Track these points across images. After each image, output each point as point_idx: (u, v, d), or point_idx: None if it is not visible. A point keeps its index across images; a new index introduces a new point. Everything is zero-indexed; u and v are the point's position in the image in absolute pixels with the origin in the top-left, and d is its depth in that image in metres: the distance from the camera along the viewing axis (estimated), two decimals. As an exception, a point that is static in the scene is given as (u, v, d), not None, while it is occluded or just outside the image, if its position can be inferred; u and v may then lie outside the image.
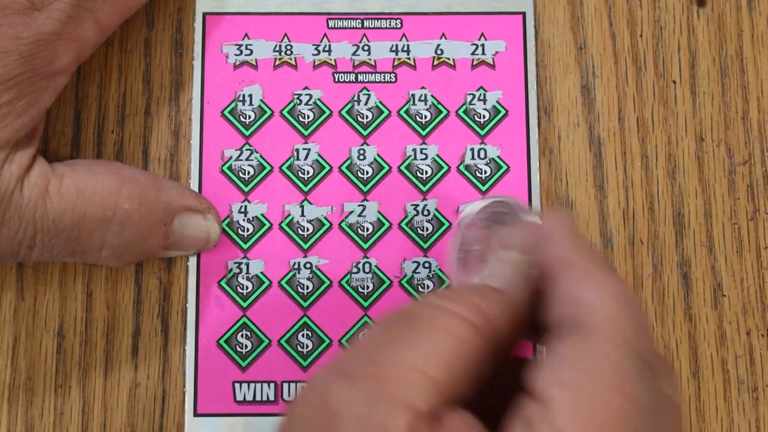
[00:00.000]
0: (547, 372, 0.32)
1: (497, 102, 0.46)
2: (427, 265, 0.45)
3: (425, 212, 0.45)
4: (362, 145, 0.46)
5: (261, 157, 0.46)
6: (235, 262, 0.45)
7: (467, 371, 0.32)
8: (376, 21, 0.47)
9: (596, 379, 0.31)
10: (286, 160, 0.46)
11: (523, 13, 0.47)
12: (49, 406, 0.44)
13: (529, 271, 0.36)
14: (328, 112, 0.46)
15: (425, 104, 0.46)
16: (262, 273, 0.45)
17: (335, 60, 0.47)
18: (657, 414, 0.32)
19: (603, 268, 0.34)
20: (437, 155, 0.46)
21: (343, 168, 0.46)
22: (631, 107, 0.47)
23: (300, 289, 0.45)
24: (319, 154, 0.46)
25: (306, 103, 0.46)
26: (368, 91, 0.46)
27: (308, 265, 0.45)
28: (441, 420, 0.31)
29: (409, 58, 0.47)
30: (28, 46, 0.39)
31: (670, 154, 0.46)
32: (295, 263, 0.45)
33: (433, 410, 0.31)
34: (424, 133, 0.46)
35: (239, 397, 0.44)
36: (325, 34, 0.47)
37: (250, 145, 0.46)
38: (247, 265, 0.45)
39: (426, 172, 0.46)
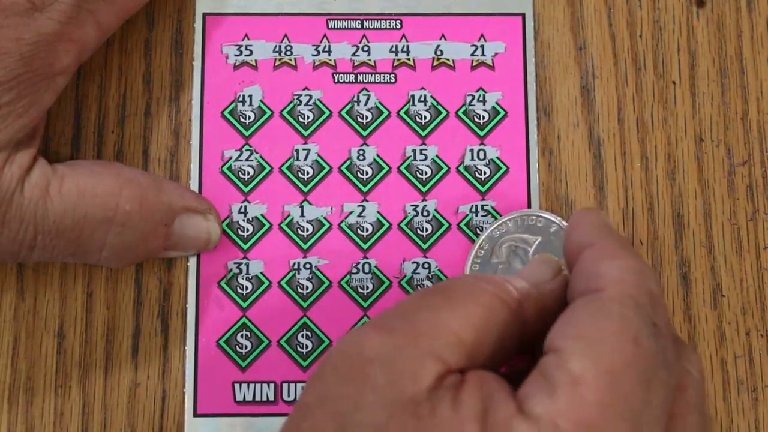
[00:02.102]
0: (559, 328, 0.33)
1: (497, 103, 0.46)
2: (426, 265, 0.45)
3: (425, 213, 0.45)
4: (362, 145, 0.46)
5: (261, 157, 0.46)
6: (234, 263, 0.45)
7: (494, 341, 0.34)
8: (375, 21, 0.47)
9: (607, 330, 0.32)
10: (286, 161, 0.46)
11: (523, 14, 0.47)
12: (49, 407, 0.44)
13: (558, 271, 0.38)
14: (327, 112, 0.46)
15: (425, 105, 0.46)
16: (261, 273, 0.45)
17: (335, 60, 0.47)
18: (671, 374, 0.33)
19: (623, 247, 0.36)
20: (437, 156, 0.46)
21: (343, 168, 0.46)
22: (630, 108, 0.47)
23: (300, 290, 0.45)
24: (318, 155, 0.46)
25: (306, 104, 0.46)
26: (368, 91, 0.46)
27: (308, 266, 0.45)
28: (465, 375, 0.33)
29: (408, 59, 0.47)
30: (28, 46, 0.39)
31: (670, 154, 0.46)
32: (294, 263, 0.45)
33: (460, 367, 0.33)
34: (423, 133, 0.46)
35: (239, 398, 0.44)
36: (324, 35, 0.47)
37: (250, 146, 0.46)
38: (247, 265, 0.45)
39: (425, 173, 0.46)
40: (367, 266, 0.45)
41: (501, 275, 0.37)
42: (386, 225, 0.45)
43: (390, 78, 0.46)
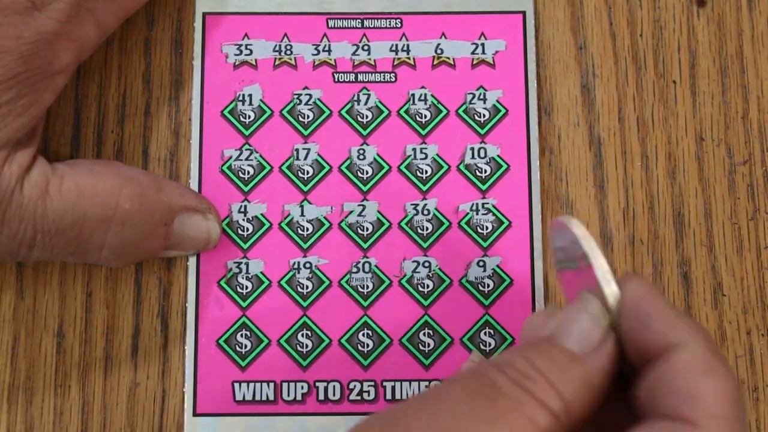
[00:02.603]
0: None
1: (497, 101, 0.46)
2: (426, 264, 0.45)
3: (425, 212, 0.45)
4: (362, 144, 0.46)
5: (261, 156, 0.46)
6: (234, 262, 0.45)
7: None
8: (375, 21, 0.47)
9: None
10: (286, 160, 0.46)
11: (523, 13, 0.47)
12: (49, 406, 0.44)
13: (609, 332, 0.33)
14: (327, 111, 0.46)
15: (425, 104, 0.46)
16: (261, 273, 0.45)
17: (335, 60, 0.47)
18: None
19: (716, 356, 0.32)
20: (437, 155, 0.46)
21: (343, 168, 0.46)
22: (631, 107, 0.47)
23: (300, 289, 0.45)
24: (318, 154, 0.46)
25: (306, 103, 0.46)
26: (368, 90, 0.46)
27: (308, 265, 0.45)
28: None
29: (408, 58, 0.47)
30: (28, 45, 0.39)
31: (670, 153, 0.46)
32: (294, 263, 0.45)
33: None
34: (423, 132, 0.46)
35: (239, 397, 0.44)
36: (324, 34, 0.47)
37: (250, 145, 0.46)
38: (247, 264, 0.45)
39: (426, 172, 0.46)
40: (367, 265, 0.45)
41: (540, 363, 0.32)
42: (386, 224, 0.45)
43: (390, 77, 0.46)
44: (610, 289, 0.33)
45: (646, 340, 0.32)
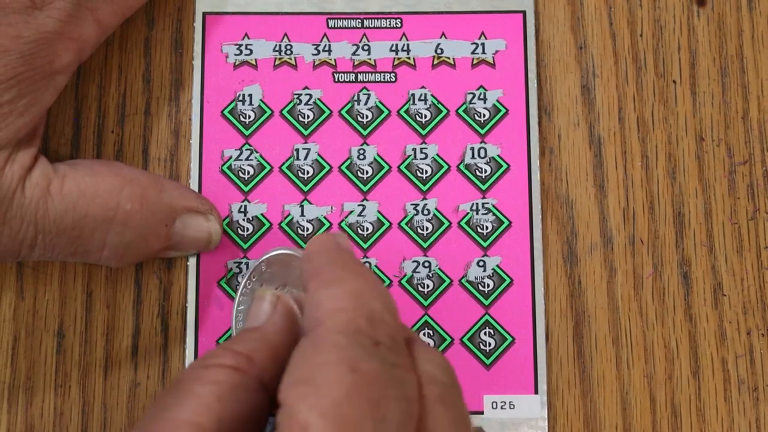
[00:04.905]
0: (285, 378, 0.32)
1: (497, 101, 0.46)
2: (426, 264, 0.45)
3: (425, 212, 0.45)
4: (362, 144, 0.46)
5: (261, 156, 0.46)
6: (234, 262, 0.45)
7: (238, 410, 0.33)
8: (375, 20, 0.47)
9: (323, 366, 0.31)
10: (286, 160, 0.46)
11: (524, 12, 0.47)
12: (49, 406, 0.44)
13: (276, 301, 0.37)
14: (327, 111, 0.46)
15: (425, 103, 0.46)
16: (262, 273, 0.45)
17: (335, 60, 0.47)
18: (406, 383, 0.32)
19: (345, 269, 0.34)
20: (437, 154, 0.46)
21: (343, 168, 0.46)
22: (631, 107, 0.47)
23: (300, 289, 0.45)
24: (318, 154, 0.46)
25: (306, 103, 0.46)
26: (368, 90, 0.46)
27: (308, 265, 0.45)
28: None
29: (409, 58, 0.47)
30: (28, 45, 0.39)
31: (671, 153, 0.46)
32: (295, 263, 0.45)
33: None
34: (424, 132, 0.46)
35: (239, 397, 0.44)
36: (325, 34, 0.47)
37: (250, 145, 0.46)
38: (247, 265, 0.45)
39: (426, 172, 0.46)
40: (367, 265, 0.45)
41: (223, 343, 0.36)
42: (386, 224, 0.45)
43: (390, 77, 0.46)
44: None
45: (303, 285, 0.36)
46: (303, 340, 0.33)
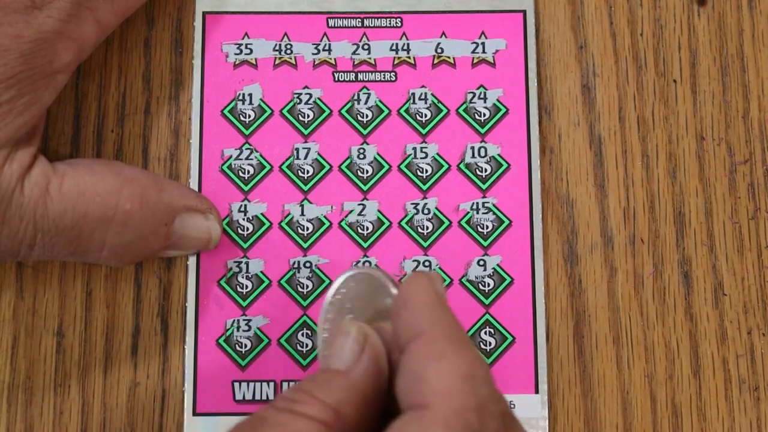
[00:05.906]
0: None
1: (498, 100, 0.46)
2: (427, 263, 0.45)
3: (425, 211, 0.45)
4: (362, 144, 0.46)
5: (261, 156, 0.46)
6: (234, 262, 0.45)
7: None
8: (376, 20, 0.47)
9: None
10: (286, 160, 0.46)
11: (524, 12, 0.47)
12: (49, 406, 0.44)
13: (364, 340, 0.36)
14: (328, 111, 0.46)
15: (425, 103, 0.46)
16: (261, 272, 0.45)
17: (335, 59, 0.47)
18: None
19: (452, 339, 0.33)
20: (437, 154, 0.46)
21: (343, 167, 0.46)
22: (631, 106, 0.47)
23: (300, 289, 0.45)
24: (318, 153, 0.46)
25: (306, 102, 0.46)
26: (368, 90, 0.46)
27: (308, 265, 0.45)
28: None
29: (409, 57, 0.47)
30: (28, 44, 0.39)
31: (671, 153, 0.46)
32: (294, 262, 0.45)
33: None
34: (424, 131, 0.46)
35: (238, 396, 0.44)
36: (325, 33, 0.47)
37: (250, 144, 0.46)
38: (247, 264, 0.45)
39: (426, 171, 0.46)
40: (367, 265, 0.45)
41: (308, 384, 0.35)
42: (386, 223, 0.45)
43: (390, 76, 0.46)
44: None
45: (398, 335, 0.34)
46: (408, 421, 0.32)
